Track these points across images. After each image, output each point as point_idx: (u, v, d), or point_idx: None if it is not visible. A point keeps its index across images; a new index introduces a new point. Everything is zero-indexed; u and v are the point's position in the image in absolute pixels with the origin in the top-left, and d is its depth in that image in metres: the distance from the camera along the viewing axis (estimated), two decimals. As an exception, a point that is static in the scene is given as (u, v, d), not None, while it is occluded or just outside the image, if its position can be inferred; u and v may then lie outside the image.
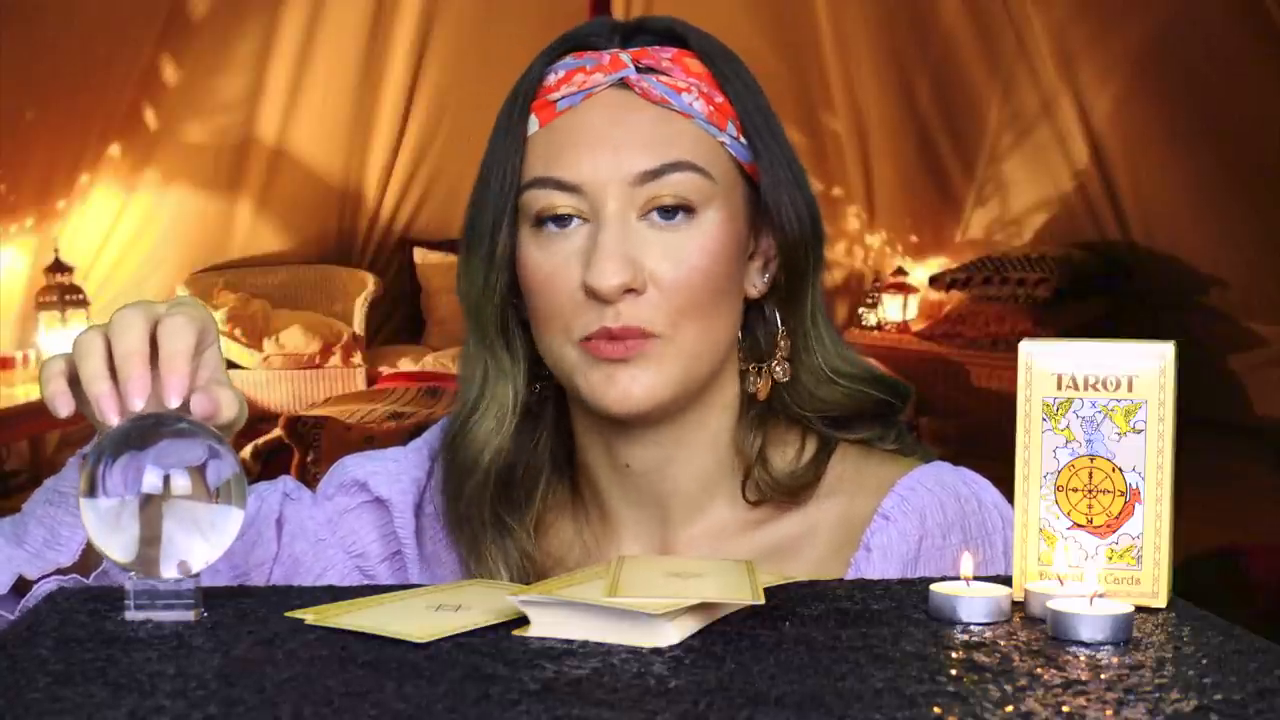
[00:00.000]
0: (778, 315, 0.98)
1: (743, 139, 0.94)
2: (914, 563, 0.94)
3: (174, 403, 0.75)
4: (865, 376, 0.99)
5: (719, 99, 0.94)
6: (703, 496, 0.98)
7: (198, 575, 0.74)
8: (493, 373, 0.97)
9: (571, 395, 0.97)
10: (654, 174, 0.90)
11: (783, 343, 0.98)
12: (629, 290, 0.89)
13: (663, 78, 0.92)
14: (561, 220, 0.91)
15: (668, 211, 0.91)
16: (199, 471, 0.74)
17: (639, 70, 0.92)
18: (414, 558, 1.03)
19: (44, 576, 0.86)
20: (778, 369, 0.97)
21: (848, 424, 0.99)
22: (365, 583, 1.03)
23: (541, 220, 0.92)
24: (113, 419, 0.75)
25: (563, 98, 0.93)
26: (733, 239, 0.93)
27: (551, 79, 0.94)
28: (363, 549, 1.04)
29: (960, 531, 0.95)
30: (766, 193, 0.94)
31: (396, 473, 1.04)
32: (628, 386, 0.90)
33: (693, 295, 0.91)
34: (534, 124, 0.94)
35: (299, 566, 1.02)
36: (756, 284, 0.98)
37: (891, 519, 0.95)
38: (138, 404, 0.75)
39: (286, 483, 1.06)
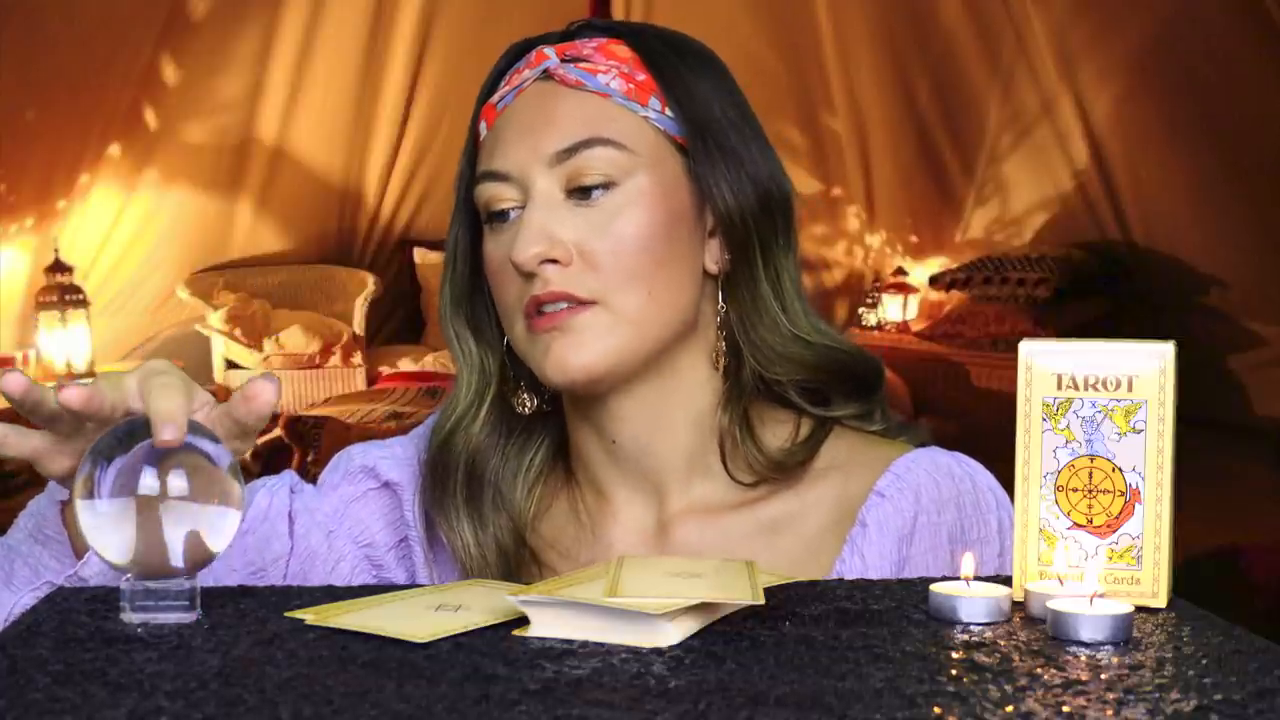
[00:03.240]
0: (721, 289, 1.00)
1: (668, 112, 0.97)
2: (909, 538, 0.95)
3: (169, 438, 0.72)
4: (835, 339, 1.01)
5: (641, 77, 0.97)
6: (693, 474, 1.00)
7: (195, 576, 0.74)
8: (460, 361, 1.03)
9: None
10: (569, 151, 0.95)
11: (724, 315, 0.99)
12: (551, 261, 0.93)
13: (582, 64, 0.97)
14: (503, 215, 0.97)
15: (586, 190, 0.95)
16: (195, 472, 0.74)
17: (562, 61, 0.98)
18: (419, 539, 1.04)
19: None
20: (721, 344, 0.99)
21: (827, 397, 1.01)
22: (375, 572, 1.05)
23: (489, 216, 0.98)
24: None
25: (500, 99, 0.99)
26: (665, 208, 0.96)
27: (499, 84, 1.00)
28: (370, 538, 1.05)
29: (955, 509, 0.97)
30: (695, 166, 0.97)
31: (403, 457, 1.06)
32: (563, 355, 0.94)
33: (622, 263, 0.94)
34: (483, 129, 1.00)
35: (314, 559, 1.03)
36: (718, 259, 0.99)
37: (887, 496, 0.96)
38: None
39: (291, 477, 1.06)
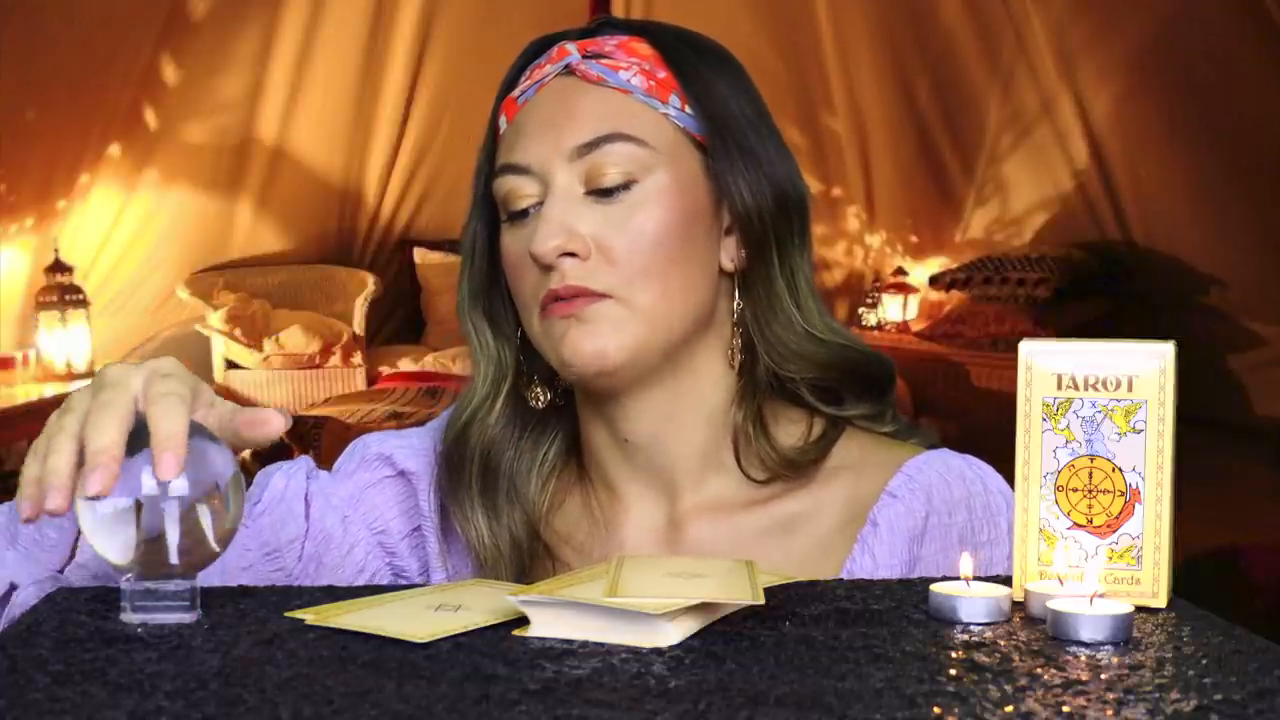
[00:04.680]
0: (737, 287, 1.00)
1: (688, 110, 0.98)
2: (920, 539, 0.96)
3: (170, 478, 0.71)
4: (848, 339, 1.02)
5: (661, 74, 0.98)
6: (705, 471, 1.01)
7: (195, 576, 0.74)
8: (476, 353, 1.03)
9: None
10: (590, 146, 0.95)
11: (741, 312, 1.00)
12: (570, 255, 0.94)
13: (604, 60, 0.98)
14: (524, 213, 0.97)
15: (607, 191, 0.95)
16: (196, 472, 0.74)
17: (584, 57, 0.98)
18: (434, 529, 1.04)
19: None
20: (737, 341, 1.00)
21: (839, 397, 1.01)
22: (388, 560, 1.05)
23: (510, 213, 0.98)
24: (55, 505, 0.70)
25: (521, 94, 1.00)
26: (682, 206, 0.96)
27: (520, 79, 1.01)
28: (384, 525, 1.05)
29: (966, 510, 0.97)
30: (714, 164, 0.98)
31: (420, 448, 1.07)
32: (579, 343, 0.94)
33: (639, 259, 0.94)
34: (503, 123, 1.01)
35: (329, 542, 1.03)
36: (734, 257, 1.00)
37: (899, 496, 0.97)
38: (90, 489, 0.69)
39: (307, 463, 1.07)
